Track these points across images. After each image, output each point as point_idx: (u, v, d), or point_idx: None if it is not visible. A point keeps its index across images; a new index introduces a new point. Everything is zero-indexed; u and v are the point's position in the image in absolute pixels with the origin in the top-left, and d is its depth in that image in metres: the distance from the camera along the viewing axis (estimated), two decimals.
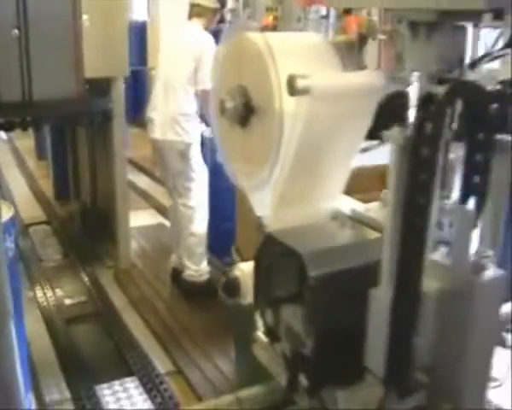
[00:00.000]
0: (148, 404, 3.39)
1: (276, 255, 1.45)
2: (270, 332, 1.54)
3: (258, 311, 1.57)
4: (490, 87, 1.96)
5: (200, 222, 4.37)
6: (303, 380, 1.43)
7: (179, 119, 4.18)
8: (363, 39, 1.63)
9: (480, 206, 1.24)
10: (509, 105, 1.70)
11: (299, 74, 1.33)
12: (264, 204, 1.57)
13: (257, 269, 1.53)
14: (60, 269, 5.15)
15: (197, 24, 4.30)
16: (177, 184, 4.35)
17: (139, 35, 7.02)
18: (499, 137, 1.51)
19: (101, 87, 4.55)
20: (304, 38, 1.70)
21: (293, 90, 1.32)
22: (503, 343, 3.85)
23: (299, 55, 1.51)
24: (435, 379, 1.34)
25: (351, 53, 1.62)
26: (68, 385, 3.56)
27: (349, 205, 1.60)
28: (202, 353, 3.78)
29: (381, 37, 1.63)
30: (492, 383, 3.27)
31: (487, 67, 1.45)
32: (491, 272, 1.28)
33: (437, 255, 1.33)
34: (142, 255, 5.32)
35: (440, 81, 1.18)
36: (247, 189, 1.67)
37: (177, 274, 4.57)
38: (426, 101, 1.12)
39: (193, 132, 4.21)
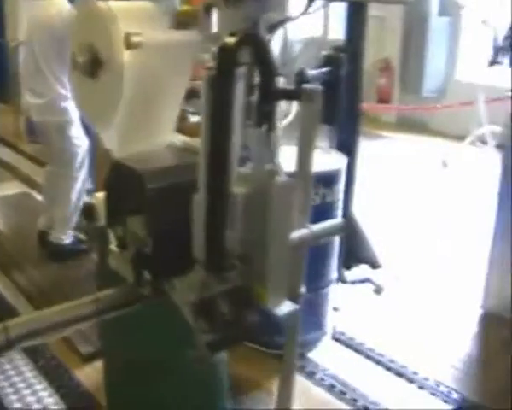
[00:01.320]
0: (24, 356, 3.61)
1: (121, 178, 1.81)
2: (121, 242, 1.90)
3: (111, 228, 1.93)
4: (324, 52, 2.42)
5: (78, 190, 4.57)
6: (147, 275, 1.81)
7: (55, 103, 4.24)
8: (208, 8, 1.87)
9: (270, 129, 1.66)
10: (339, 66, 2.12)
11: (133, 32, 1.70)
12: (112, 140, 1.93)
13: (107, 192, 1.88)
14: None
15: None
16: (60, 158, 4.48)
17: None
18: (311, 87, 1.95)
19: None
20: (141, 5, 2.05)
21: (128, 44, 1.69)
22: (343, 279, 4.52)
23: (135, 17, 1.87)
24: (247, 264, 1.76)
25: (196, 20, 1.96)
26: None
27: (180, 139, 2.00)
28: None
29: None
30: (334, 311, 3.85)
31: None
32: (282, 178, 1.72)
33: (245, 168, 1.75)
34: (8, 223, 5.43)
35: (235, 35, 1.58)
36: (99, 129, 2.02)
37: (44, 237, 4.75)
38: (222, 48, 1.52)
39: (71, 109, 4.24)
